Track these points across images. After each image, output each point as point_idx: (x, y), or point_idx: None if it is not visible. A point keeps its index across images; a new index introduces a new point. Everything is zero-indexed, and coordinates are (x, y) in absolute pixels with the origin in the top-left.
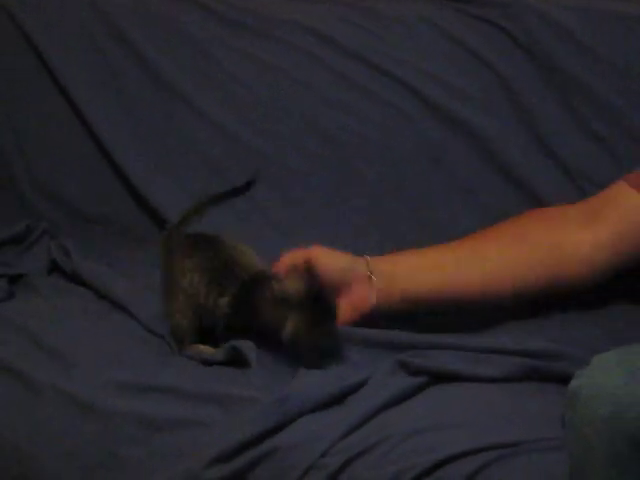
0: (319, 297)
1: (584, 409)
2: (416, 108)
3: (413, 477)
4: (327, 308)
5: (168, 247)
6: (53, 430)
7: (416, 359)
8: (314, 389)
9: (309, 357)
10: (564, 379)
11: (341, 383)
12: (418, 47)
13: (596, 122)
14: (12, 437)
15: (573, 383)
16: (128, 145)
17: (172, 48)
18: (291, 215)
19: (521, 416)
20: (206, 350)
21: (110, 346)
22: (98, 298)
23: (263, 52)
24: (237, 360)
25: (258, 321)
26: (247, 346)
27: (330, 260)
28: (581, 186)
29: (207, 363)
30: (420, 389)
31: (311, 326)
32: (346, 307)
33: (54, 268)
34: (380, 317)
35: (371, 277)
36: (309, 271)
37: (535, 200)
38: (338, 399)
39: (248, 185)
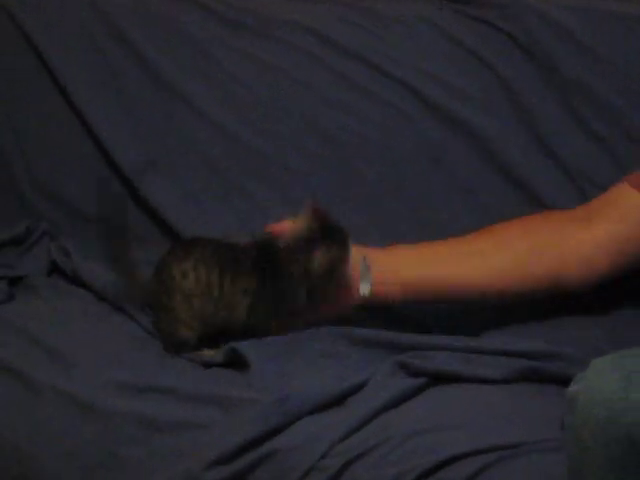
0: (333, 226)
1: (582, 413)
2: (416, 108)
3: (413, 478)
4: (341, 233)
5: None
6: (53, 430)
7: (416, 360)
8: (314, 390)
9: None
10: (564, 380)
11: (341, 384)
12: (418, 47)
13: (596, 122)
14: (12, 437)
15: (572, 388)
16: (128, 145)
17: (172, 48)
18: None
19: (521, 417)
20: (206, 353)
21: (110, 347)
22: (98, 299)
23: (263, 52)
24: (236, 361)
25: (283, 279)
26: (246, 347)
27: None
28: (581, 186)
29: (206, 365)
30: (420, 390)
31: (337, 253)
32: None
33: (54, 269)
34: (377, 308)
35: (367, 268)
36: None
37: (535, 200)
38: (338, 400)
39: None
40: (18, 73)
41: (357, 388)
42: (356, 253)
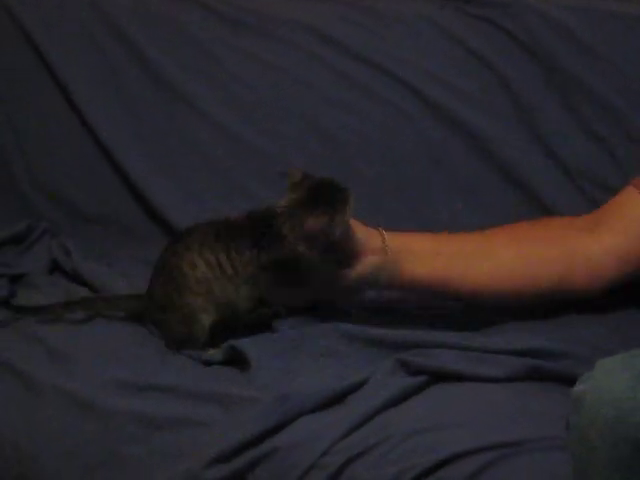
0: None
1: (589, 412)
2: (416, 108)
3: (413, 477)
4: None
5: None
6: (53, 429)
7: (417, 358)
8: (314, 389)
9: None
10: (567, 379)
11: (341, 383)
12: (418, 46)
13: (596, 122)
14: (12, 436)
15: (578, 387)
16: (129, 145)
17: (173, 48)
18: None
19: (523, 415)
20: (208, 352)
21: (110, 345)
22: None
23: (264, 51)
24: (236, 360)
25: (285, 245)
26: (246, 345)
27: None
28: (581, 186)
29: (207, 363)
30: (421, 389)
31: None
32: (353, 274)
33: (55, 267)
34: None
35: (386, 250)
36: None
37: (535, 200)
38: (338, 399)
39: None
40: (18, 72)
41: (357, 386)
42: (376, 236)
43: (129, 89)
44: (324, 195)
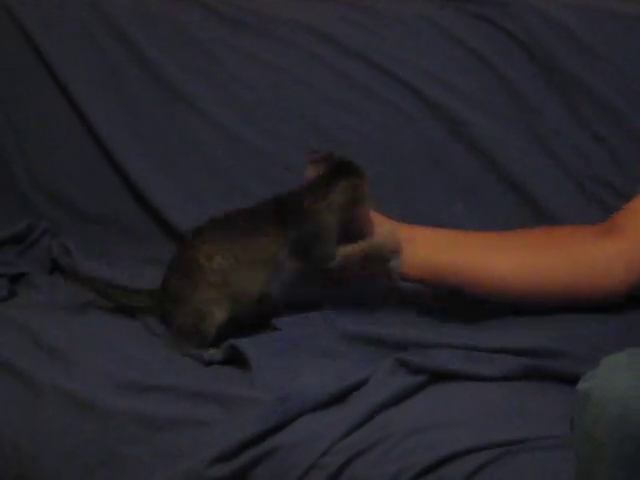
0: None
1: (595, 409)
2: (416, 107)
3: (414, 475)
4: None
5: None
6: (53, 429)
7: (416, 358)
8: (314, 388)
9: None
10: (565, 377)
11: (341, 382)
12: (418, 46)
13: (596, 122)
14: (12, 436)
15: (583, 385)
16: (130, 145)
17: (173, 48)
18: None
19: (522, 415)
20: (209, 352)
21: (110, 345)
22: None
23: (264, 51)
24: (237, 359)
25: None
26: (247, 345)
27: (371, 232)
28: (581, 186)
29: (207, 363)
30: (420, 388)
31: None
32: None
33: (55, 267)
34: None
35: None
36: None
37: (535, 200)
38: (339, 398)
39: None
40: (18, 72)
41: (358, 386)
42: (401, 230)
43: (129, 89)
44: (344, 171)
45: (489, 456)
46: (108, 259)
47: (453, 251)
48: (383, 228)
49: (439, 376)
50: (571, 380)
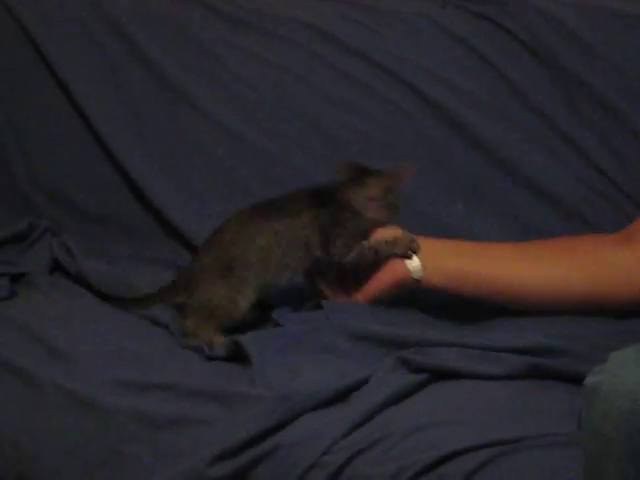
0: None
1: (603, 404)
2: (417, 106)
3: (415, 473)
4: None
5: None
6: (53, 428)
7: (418, 356)
8: (316, 387)
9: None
10: (567, 376)
11: (343, 380)
12: (419, 45)
13: (597, 120)
14: (12, 435)
15: (591, 379)
16: (130, 145)
17: (174, 47)
18: None
19: (523, 413)
20: (216, 340)
21: (111, 344)
22: (99, 297)
23: (265, 51)
24: (238, 355)
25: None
26: (249, 341)
27: (383, 231)
28: (584, 184)
29: (209, 358)
30: (422, 386)
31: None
32: (383, 274)
33: (56, 266)
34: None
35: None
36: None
37: (536, 199)
38: (340, 397)
39: None
40: (18, 72)
41: (359, 384)
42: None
43: (130, 88)
44: (375, 170)
45: (490, 454)
46: (109, 259)
47: (477, 261)
48: (391, 228)
49: (440, 375)
50: (573, 378)
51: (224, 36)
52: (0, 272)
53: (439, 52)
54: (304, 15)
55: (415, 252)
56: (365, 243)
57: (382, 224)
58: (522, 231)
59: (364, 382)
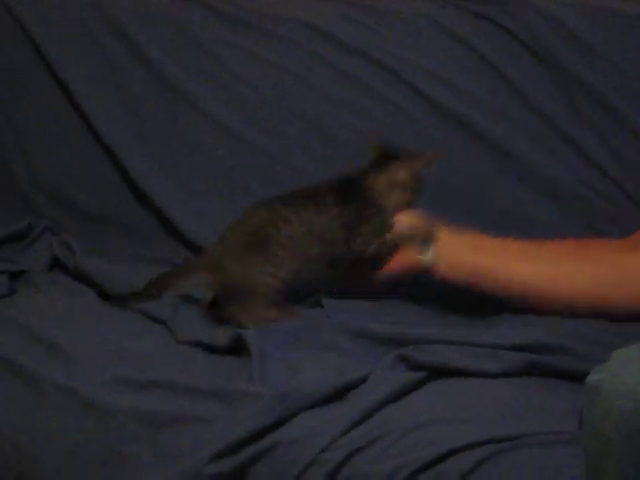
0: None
1: (604, 403)
2: (417, 106)
3: (413, 471)
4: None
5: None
6: (53, 428)
7: (417, 354)
8: (315, 384)
9: None
10: (565, 373)
11: (342, 378)
12: (419, 45)
13: (597, 119)
14: (12, 435)
15: (592, 377)
16: (131, 145)
17: (174, 47)
18: None
19: (524, 410)
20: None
21: (111, 342)
22: (99, 295)
23: (265, 50)
24: (239, 349)
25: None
26: (250, 336)
27: (404, 219)
28: (584, 183)
29: (210, 349)
30: (421, 384)
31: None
32: (394, 262)
33: (55, 265)
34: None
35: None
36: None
37: (536, 199)
38: (339, 394)
39: None
40: (18, 72)
41: (358, 382)
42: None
43: (130, 88)
44: (404, 153)
45: (488, 452)
46: (109, 258)
47: (492, 257)
48: (412, 216)
49: (440, 372)
50: (572, 376)
51: (224, 36)
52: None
53: (439, 52)
54: (304, 15)
55: (431, 242)
56: (387, 236)
57: (404, 209)
58: (522, 230)
59: (363, 380)
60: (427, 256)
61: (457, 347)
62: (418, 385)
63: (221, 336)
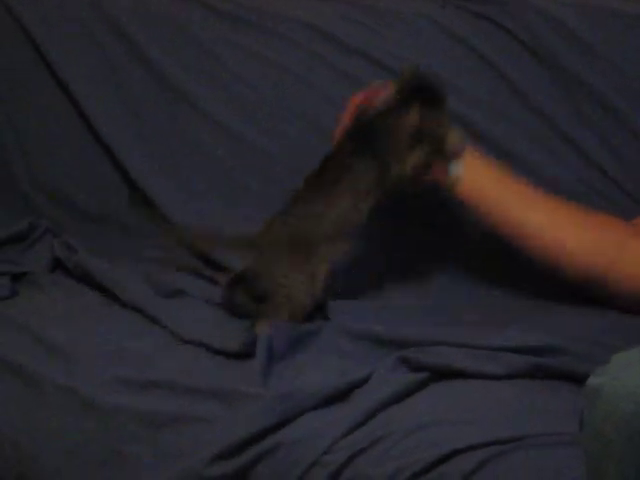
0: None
1: (605, 406)
2: None
3: (416, 472)
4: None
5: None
6: (53, 428)
7: (419, 355)
8: (317, 385)
9: None
10: (567, 375)
11: (344, 379)
12: (419, 45)
13: (597, 119)
14: (12, 435)
15: (593, 380)
16: (131, 145)
17: (174, 47)
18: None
19: (526, 412)
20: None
21: (111, 343)
22: (100, 295)
23: (265, 50)
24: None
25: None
26: (262, 340)
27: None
28: (584, 183)
29: (213, 350)
30: (423, 385)
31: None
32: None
33: (57, 266)
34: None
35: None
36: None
37: None
38: (341, 395)
39: None
40: (18, 72)
41: (360, 383)
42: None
43: (130, 88)
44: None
45: (490, 453)
46: (109, 258)
47: (513, 196)
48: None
49: (441, 374)
50: (573, 377)
51: (223, 35)
52: (1, 271)
53: (439, 52)
54: (304, 14)
55: (460, 161)
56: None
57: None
58: None
59: (365, 381)
60: (453, 173)
61: (459, 349)
62: (420, 386)
63: (232, 342)
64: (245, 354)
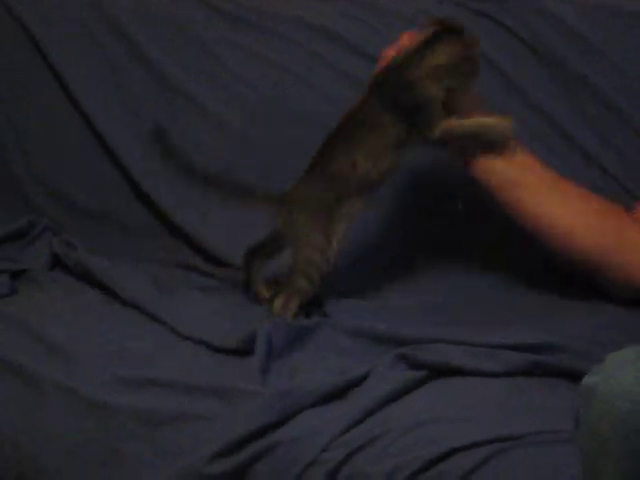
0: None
1: (601, 404)
2: None
3: (414, 470)
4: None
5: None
6: (53, 428)
7: (418, 353)
8: (315, 383)
9: None
10: (565, 372)
11: (342, 377)
12: None
13: (599, 118)
14: (12, 435)
15: (588, 379)
16: (131, 144)
17: (174, 46)
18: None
19: (524, 409)
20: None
21: (111, 341)
22: (100, 293)
23: (265, 49)
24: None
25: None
26: (262, 335)
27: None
28: (586, 182)
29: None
30: (421, 383)
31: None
32: None
33: (56, 263)
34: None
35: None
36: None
37: None
38: (339, 393)
39: None
40: (18, 72)
41: (358, 381)
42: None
43: (130, 88)
44: (445, 32)
45: (489, 451)
46: (109, 257)
47: (524, 172)
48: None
49: (440, 371)
50: (571, 375)
51: (223, 35)
52: (0, 269)
53: None
54: (304, 13)
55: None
56: (462, 122)
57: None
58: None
59: (364, 379)
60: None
61: (457, 346)
62: (418, 384)
63: (230, 339)
64: (244, 351)
